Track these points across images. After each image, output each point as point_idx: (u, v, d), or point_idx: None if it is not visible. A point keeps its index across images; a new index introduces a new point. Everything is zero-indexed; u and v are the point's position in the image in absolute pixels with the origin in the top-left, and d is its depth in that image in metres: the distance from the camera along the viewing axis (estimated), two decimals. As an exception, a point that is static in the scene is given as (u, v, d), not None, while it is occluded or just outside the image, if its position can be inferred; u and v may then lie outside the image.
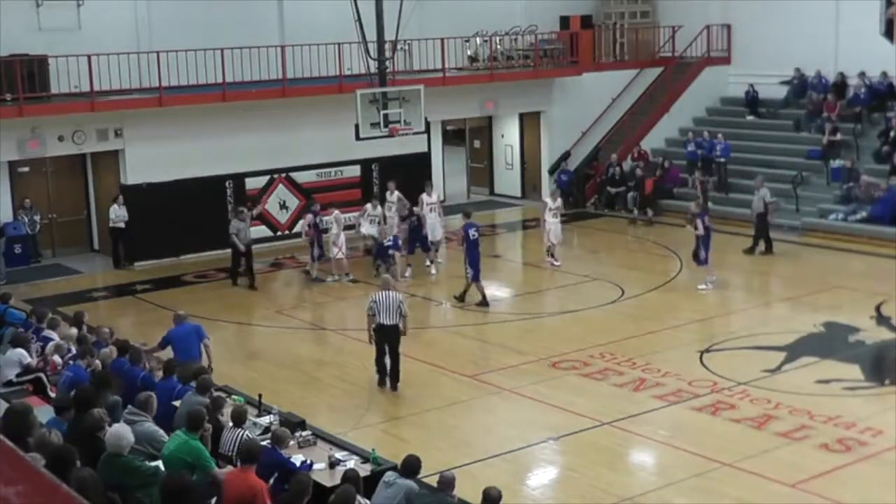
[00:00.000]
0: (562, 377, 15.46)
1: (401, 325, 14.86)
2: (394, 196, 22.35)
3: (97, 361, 12.63)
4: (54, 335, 13.91)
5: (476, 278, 19.20)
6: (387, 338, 14.86)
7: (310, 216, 21.63)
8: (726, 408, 14.02)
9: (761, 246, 22.51)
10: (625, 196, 27.39)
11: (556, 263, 21.88)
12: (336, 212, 21.72)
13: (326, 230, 21.89)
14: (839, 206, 24.36)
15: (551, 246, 22.08)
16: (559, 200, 22.87)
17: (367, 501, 9.24)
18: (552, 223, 22.02)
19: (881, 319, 17.72)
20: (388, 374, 15.06)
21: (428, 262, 21.84)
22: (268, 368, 16.36)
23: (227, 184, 24.21)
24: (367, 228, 22.03)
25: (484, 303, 19.19)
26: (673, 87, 29.77)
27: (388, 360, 15.00)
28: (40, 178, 23.89)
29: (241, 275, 21.22)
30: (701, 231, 19.84)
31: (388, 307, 14.76)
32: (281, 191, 25.02)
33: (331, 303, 20.32)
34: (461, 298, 19.41)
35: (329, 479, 9.92)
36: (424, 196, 22.25)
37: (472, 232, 19.31)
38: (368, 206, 22.20)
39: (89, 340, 13.42)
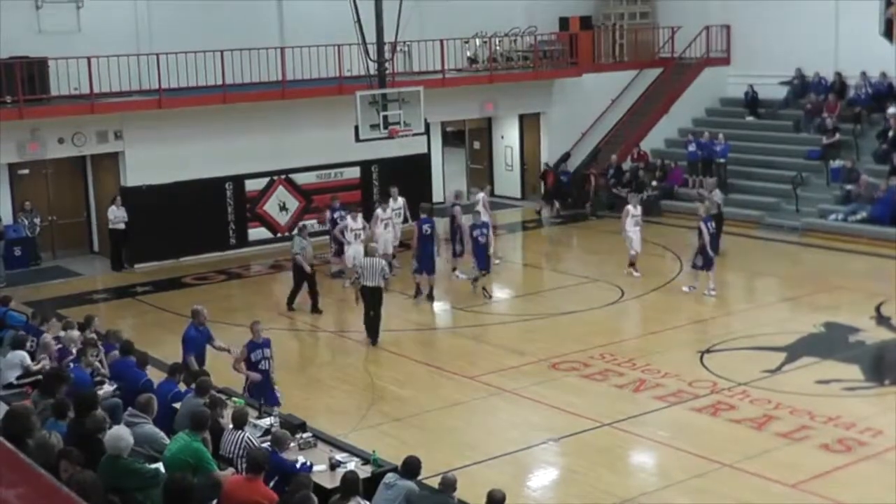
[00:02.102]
0: (562, 378, 15.47)
1: (383, 286, 17.04)
2: (398, 202, 22.15)
3: (97, 363, 12.66)
4: (60, 335, 13.93)
5: (423, 272, 19.64)
6: (372, 298, 17.00)
7: (328, 213, 21.68)
8: (726, 408, 14.03)
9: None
10: (625, 197, 27.42)
11: (636, 274, 20.83)
12: (349, 218, 21.02)
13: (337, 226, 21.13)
14: (839, 206, 24.36)
15: (633, 256, 21.06)
16: (640, 207, 21.60)
17: (368, 503, 9.24)
18: (634, 231, 21.01)
19: (881, 320, 17.72)
20: (371, 329, 17.10)
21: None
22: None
23: (226, 185, 24.22)
24: (382, 233, 21.52)
25: (430, 296, 19.70)
26: (672, 88, 29.77)
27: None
28: (40, 180, 23.90)
29: (313, 298, 19.45)
30: (706, 238, 19.37)
31: (373, 271, 16.93)
32: (281, 192, 25.02)
33: (331, 304, 20.27)
34: (429, 296, 19.76)
35: (329, 481, 9.92)
36: (483, 195, 22.43)
37: (425, 227, 19.89)
38: (379, 210, 21.77)
39: (95, 342, 13.42)
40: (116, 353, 13.20)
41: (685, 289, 19.84)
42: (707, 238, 19.38)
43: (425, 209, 20.72)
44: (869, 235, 22.97)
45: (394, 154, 25.30)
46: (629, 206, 21.28)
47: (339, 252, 21.21)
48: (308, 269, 19.24)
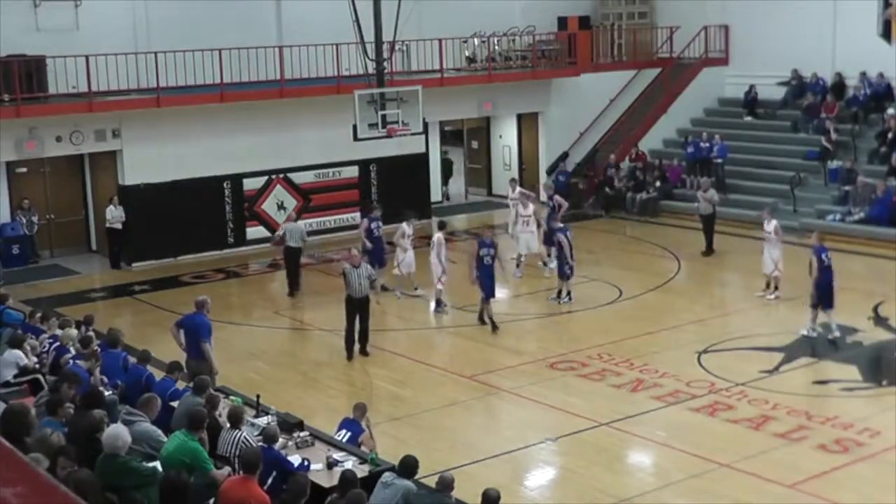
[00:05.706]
0: (560, 378, 15.46)
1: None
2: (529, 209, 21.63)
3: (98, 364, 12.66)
4: (58, 334, 13.93)
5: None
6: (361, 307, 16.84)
7: (365, 221, 20.66)
8: (724, 408, 14.03)
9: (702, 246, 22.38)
10: (623, 197, 27.42)
11: (770, 298, 18.90)
12: (404, 225, 20.07)
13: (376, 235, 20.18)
14: (837, 206, 24.36)
15: (775, 276, 19.00)
16: (773, 223, 19.24)
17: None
18: (767, 250, 19.09)
19: (878, 320, 17.72)
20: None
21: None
22: (266, 369, 16.36)
23: (224, 184, 24.21)
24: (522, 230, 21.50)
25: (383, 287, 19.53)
26: (671, 88, 29.77)
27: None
28: (38, 178, 23.88)
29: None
30: (815, 271, 16.61)
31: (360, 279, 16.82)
32: (279, 191, 25.01)
33: (329, 304, 20.24)
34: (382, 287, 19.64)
35: (327, 480, 9.91)
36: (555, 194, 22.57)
37: (374, 225, 20.13)
38: (520, 207, 21.53)
39: (91, 339, 13.41)
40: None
41: (804, 331, 17.01)
42: (815, 271, 16.58)
43: (374, 206, 20.77)
44: (866, 236, 22.96)
45: (392, 153, 25.34)
46: (764, 221, 19.44)
47: (381, 264, 19.79)
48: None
